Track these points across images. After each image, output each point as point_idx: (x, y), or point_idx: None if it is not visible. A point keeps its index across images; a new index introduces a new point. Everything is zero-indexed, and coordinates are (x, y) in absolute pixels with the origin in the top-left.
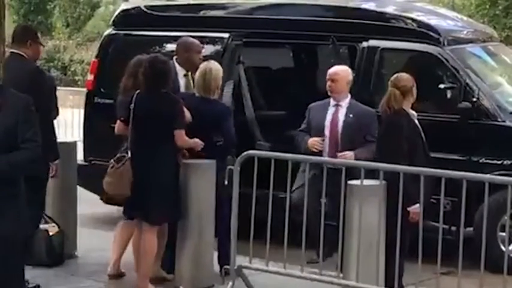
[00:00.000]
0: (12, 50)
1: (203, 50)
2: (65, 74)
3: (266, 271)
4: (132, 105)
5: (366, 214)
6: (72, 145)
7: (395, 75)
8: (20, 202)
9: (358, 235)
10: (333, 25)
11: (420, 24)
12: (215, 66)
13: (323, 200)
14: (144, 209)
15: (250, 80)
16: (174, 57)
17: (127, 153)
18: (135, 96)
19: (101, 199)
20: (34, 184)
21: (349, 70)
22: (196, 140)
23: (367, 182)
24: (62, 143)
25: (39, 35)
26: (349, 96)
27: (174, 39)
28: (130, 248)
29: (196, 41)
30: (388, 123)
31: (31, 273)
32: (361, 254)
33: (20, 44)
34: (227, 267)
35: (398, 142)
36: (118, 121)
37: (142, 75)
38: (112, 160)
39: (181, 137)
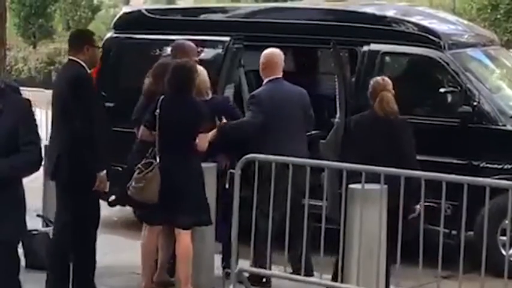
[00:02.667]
0: (69, 57)
1: (203, 54)
2: None
3: (266, 275)
4: (158, 110)
5: (366, 218)
6: None
7: (380, 78)
8: (20, 205)
9: (359, 239)
10: (333, 29)
11: (421, 28)
12: (200, 69)
13: (323, 203)
14: (177, 215)
15: (250, 84)
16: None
17: (155, 159)
18: (160, 101)
19: (108, 203)
20: (72, 189)
21: (271, 53)
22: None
23: (368, 186)
24: None
25: (95, 38)
26: (267, 79)
27: None
28: (130, 250)
29: (193, 44)
30: (408, 127)
31: (32, 277)
32: (361, 258)
33: (76, 50)
34: (228, 270)
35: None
36: (142, 127)
37: (168, 80)
38: (139, 165)
39: (204, 141)
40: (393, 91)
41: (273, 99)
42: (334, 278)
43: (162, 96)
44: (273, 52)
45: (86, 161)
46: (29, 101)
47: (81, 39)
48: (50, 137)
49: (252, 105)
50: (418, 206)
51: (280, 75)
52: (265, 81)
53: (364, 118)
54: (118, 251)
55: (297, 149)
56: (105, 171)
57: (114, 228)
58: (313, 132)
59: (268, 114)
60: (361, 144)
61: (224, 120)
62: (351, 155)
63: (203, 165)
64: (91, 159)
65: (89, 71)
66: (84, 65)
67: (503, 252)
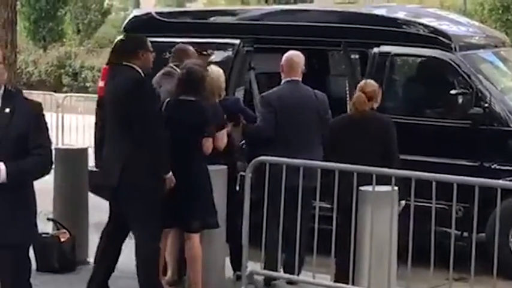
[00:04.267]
0: (123, 63)
1: (213, 56)
2: (76, 81)
3: (278, 277)
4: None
5: (377, 220)
6: (84, 151)
7: (363, 81)
8: (31, 208)
9: (369, 241)
10: (344, 31)
11: (431, 29)
12: (216, 72)
13: (334, 206)
14: (185, 218)
15: (261, 86)
16: (173, 64)
17: None
18: (165, 104)
19: None
20: (146, 197)
21: (289, 55)
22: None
23: (378, 188)
24: (73, 149)
25: (149, 43)
26: (283, 80)
27: None
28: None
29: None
30: (386, 126)
31: (42, 279)
32: (372, 261)
33: (131, 55)
34: (239, 272)
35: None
36: None
37: (177, 80)
38: None
39: (209, 145)
40: (372, 92)
41: (283, 99)
42: (337, 279)
43: (168, 99)
44: (292, 54)
45: (152, 165)
46: (39, 104)
47: (135, 44)
48: (107, 145)
49: (261, 106)
50: (402, 202)
51: (298, 77)
52: (282, 82)
53: (338, 120)
54: (130, 253)
55: (308, 151)
56: (171, 173)
57: None
58: None
59: (278, 114)
60: (338, 146)
61: (243, 121)
62: (331, 158)
63: (213, 168)
64: (157, 163)
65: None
66: (139, 70)
67: None
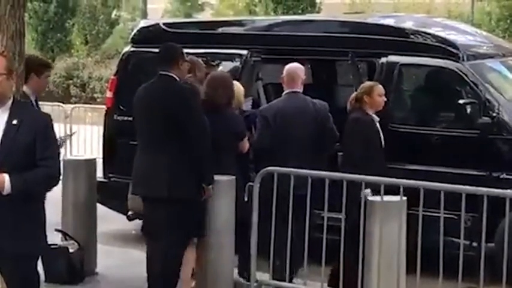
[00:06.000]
0: (161, 72)
1: (221, 67)
2: (84, 91)
3: (285, 287)
4: None
5: (386, 230)
6: (92, 162)
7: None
8: (40, 220)
9: (378, 252)
10: (351, 41)
11: (439, 39)
12: (236, 87)
13: (343, 216)
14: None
15: (269, 97)
16: (189, 76)
17: None
18: None
19: (127, 217)
20: (181, 206)
21: (290, 67)
22: None
23: (387, 198)
24: (81, 160)
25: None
26: (284, 92)
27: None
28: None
29: None
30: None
31: None
32: (381, 272)
33: (170, 65)
34: (248, 283)
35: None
36: None
37: None
38: None
39: None
40: (360, 94)
41: (280, 111)
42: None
43: None
44: (292, 66)
45: (197, 175)
46: (48, 115)
47: (175, 53)
48: (147, 155)
49: (258, 119)
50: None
51: (298, 89)
52: (283, 94)
53: None
54: (136, 264)
55: (306, 160)
56: (211, 186)
57: (132, 242)
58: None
59: (276, 126)
60: None
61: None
62: None
63: (222, 178)
64: (204, 173)
65: None
66: (177, 79)
67: None
